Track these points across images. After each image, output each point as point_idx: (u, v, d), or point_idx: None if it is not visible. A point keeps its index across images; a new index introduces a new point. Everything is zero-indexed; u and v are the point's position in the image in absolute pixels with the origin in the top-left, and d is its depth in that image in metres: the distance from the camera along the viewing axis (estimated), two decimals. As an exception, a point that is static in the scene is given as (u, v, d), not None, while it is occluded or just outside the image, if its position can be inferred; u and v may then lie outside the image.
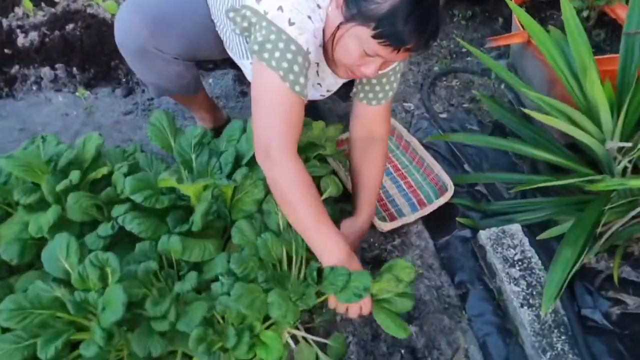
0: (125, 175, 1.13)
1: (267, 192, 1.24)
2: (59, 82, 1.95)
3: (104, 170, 1.16)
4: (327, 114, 1.90)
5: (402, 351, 1.34)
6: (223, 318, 1.06)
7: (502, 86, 1.99)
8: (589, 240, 1.23)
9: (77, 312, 0.99)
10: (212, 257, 1.09)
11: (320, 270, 1.11)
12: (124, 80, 2.01)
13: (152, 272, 1.02)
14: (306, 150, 1.35)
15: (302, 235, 1.10)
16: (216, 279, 1.07)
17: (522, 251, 1.41)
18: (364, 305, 1.08)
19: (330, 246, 1.07)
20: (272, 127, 1.04)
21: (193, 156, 1.32)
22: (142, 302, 1.00)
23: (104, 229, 1.07)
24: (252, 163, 1.29)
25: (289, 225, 1.14)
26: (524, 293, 1.33)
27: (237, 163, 1.30)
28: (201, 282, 1.08)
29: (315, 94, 1.38)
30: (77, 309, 0.99)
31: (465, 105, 1.97)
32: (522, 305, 1.30)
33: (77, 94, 1.94)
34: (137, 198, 1.08)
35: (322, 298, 1.18)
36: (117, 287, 0.92)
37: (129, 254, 1.10)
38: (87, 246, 1.07)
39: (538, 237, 1.39)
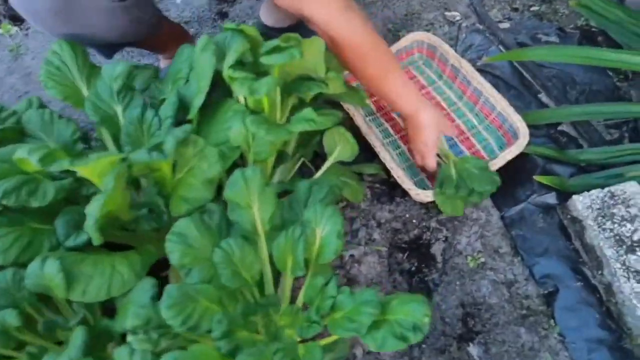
0: (-18, 152, 0.66)
1: (228, 168, 0.75)
2: (-25, 16, 1.51)
3: (-52, 147, 0.69)
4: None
5: (461, 391, 0.88)
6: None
7: (588, -24, 1.38)
8: None
9: None
10: (127, 288, 0.62)
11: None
12: (62, 8, 1.52)
13: (12, 329, 0.57)
14: (296, 88, 0.83)
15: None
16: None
17: (646, 226, 0.92)
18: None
19: (419, 98, 0.99)
20: None
21: (118, 109, 0.84)
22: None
23: None
24: (204, 113, 0.79)
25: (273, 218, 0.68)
26: (653, 295, 0.87)
27: (184, 114, 0.81)
28: (114, 336, 0.62)
29: None
30: None
31: (534, 9, 1.42)
32: (651, 315, 0.85)
33: (0, 30, 1.55)
34: (-6, 193, 0.61)
35: (331, 339, 0.71)
36: None
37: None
38: None
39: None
